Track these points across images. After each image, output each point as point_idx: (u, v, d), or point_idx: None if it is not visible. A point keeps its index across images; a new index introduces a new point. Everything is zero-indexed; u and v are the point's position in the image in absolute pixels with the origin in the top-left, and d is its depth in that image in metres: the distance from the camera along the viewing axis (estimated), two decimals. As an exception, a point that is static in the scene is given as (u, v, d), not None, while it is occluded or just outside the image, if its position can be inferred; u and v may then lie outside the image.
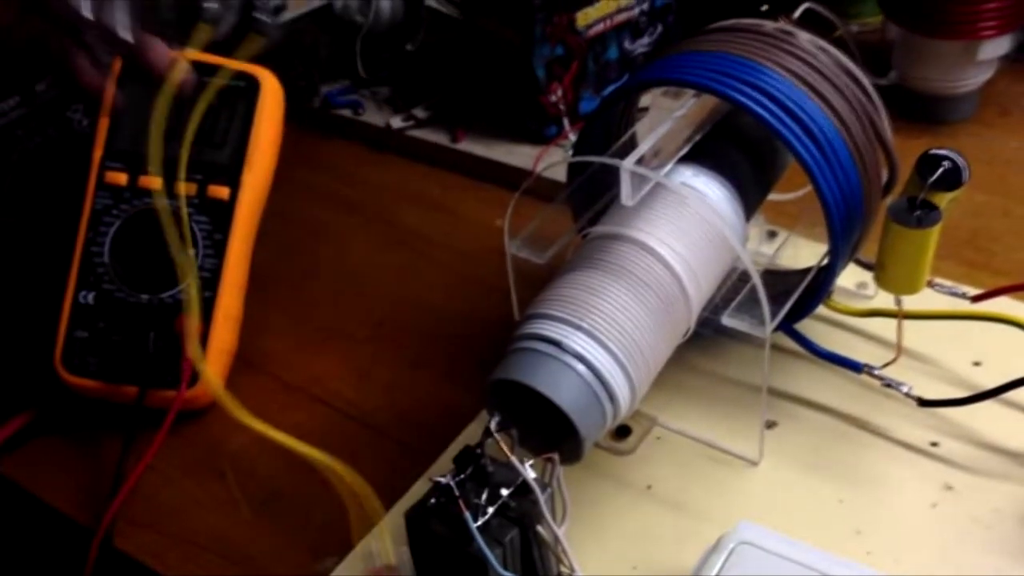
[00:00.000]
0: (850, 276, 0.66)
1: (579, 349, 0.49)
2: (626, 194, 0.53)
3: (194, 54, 0.66)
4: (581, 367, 0.49)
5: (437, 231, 0.81)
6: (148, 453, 0.61)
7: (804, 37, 0.59)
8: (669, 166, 0.57)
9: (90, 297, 0.65)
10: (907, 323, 0.60)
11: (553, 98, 0.83)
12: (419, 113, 0.90)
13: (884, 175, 0.59)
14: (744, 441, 0.59)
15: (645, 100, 0.69)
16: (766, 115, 0.54)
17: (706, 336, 0.59)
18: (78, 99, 0.64)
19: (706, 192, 0.57)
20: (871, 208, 0.58)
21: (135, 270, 0.65)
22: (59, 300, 0.66)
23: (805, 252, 0.62)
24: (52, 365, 0.65)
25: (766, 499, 0.57)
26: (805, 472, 0.57)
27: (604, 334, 0.50)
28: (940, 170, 0.52)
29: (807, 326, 0.63)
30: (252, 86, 0.67)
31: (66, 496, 0.63)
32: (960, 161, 0.52)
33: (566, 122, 0.83)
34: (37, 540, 0.66)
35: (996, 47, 0.80)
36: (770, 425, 0.60)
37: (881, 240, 0.54)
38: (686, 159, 0.58)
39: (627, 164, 0.52)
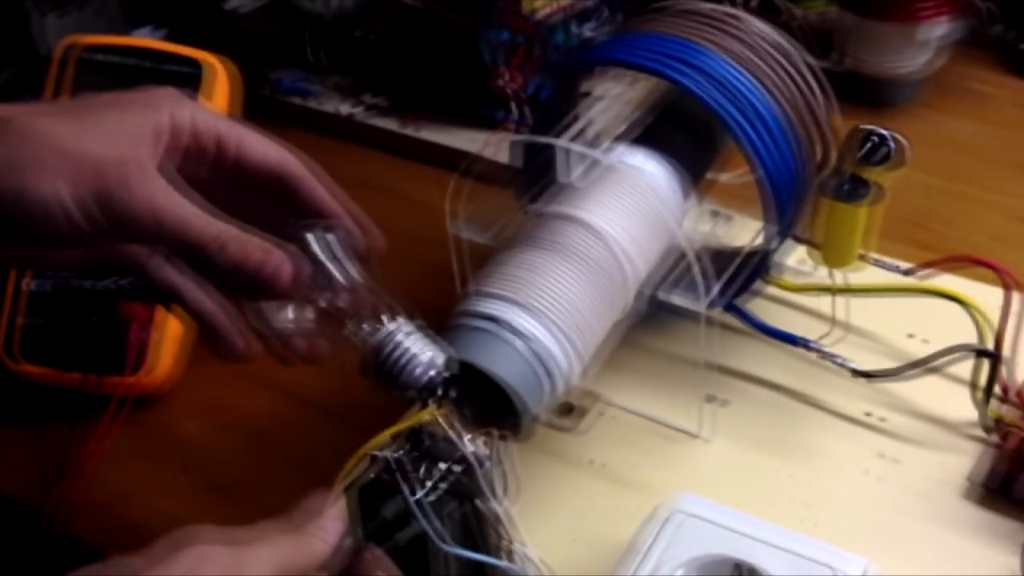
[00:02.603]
0: (793, 253, 0.67)
1: (518, 325, 0.50)
2: (563, 172, 0.54)
3: (142, 40, 0.66)
4: (519, 343, 0.50)
5: (390, 217, 0.81)
6: (95, 439, 0.61)
7: (744, 19, 0.60)
8: (606, 144, 0.58)
9: (33, 284, 0.65)
10: (846, 298, 0.61)
11: (501, 82, 0.83)
12: (370, 100, 0.91)
13: (820, 154, 0.60)
14: (688, 416, 0.60)
15: (600, 89, 0.70)
16: (705, 95, 0.55)
17: (652, 314, 0.60)
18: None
19: (645, 170, 0.57)
20: (808, 186, 0.59)
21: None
22: (1, 288, 0.66)
23: (748, 231, 0.63)
24: (-4, 353, 0.65)
25: (709, 471, 0.58)
26: (746, 444, 0.59)
27: (543, 310, 0.50)
28: (868, 145, 0.53)
29: (751, 302, 0.64)
30: (200, 72, 0.67)
31: (16, 482, 0.63)
32: (888, 136, 0.53)
33: (514, 106, 0.84)
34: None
35: (935, 28, 0.81)
36: (713, 400, 0.61)
37: (815, 215, 0.55)
38: (627, 138, 0.59)
39: (562, 142, 0.53)
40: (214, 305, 0.50)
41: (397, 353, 0.45)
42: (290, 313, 0.47)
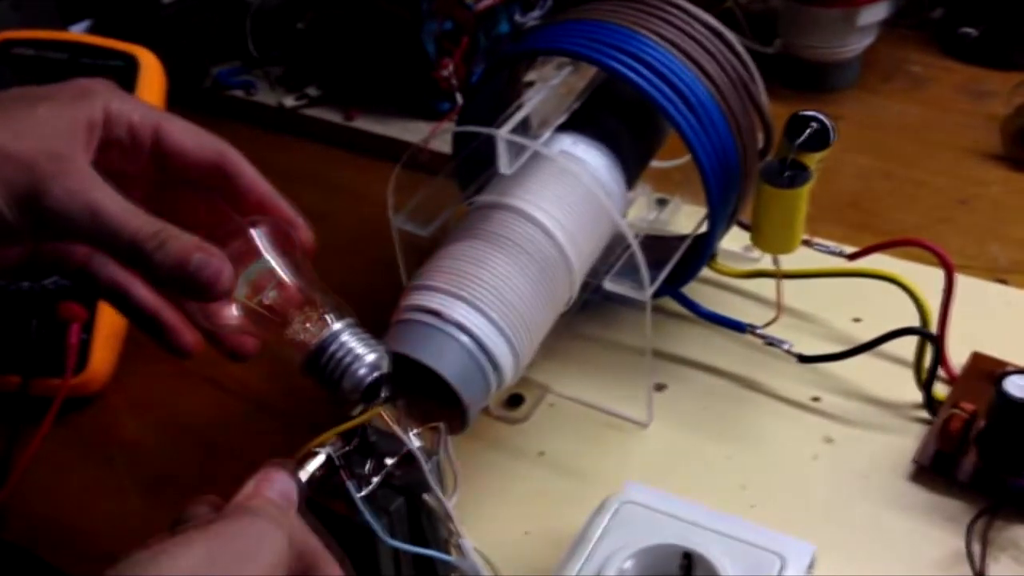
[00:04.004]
0: (737, 239, 0.67)
1: (460, 319, 0.50)
2: (503, 163, 0.53)
3: (70, 35, 0.65)
4: (463, 337, 0.50)
5: (334, 210, 0.81)
6: (34, 442, 0.59)
7: (680, 5, 0.60)
8: (547, 135, 0.57)
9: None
10: (790, 283, 0.61)
11: (445, 73, 0.83)
12: (312, 92, 0.90)
13: (761, 140, 0.61)
14: (635, 404, 0.60)
15: (544, 77, 0.69)
16: (641, 82, 0.55)
17: (596, 304, 0.60)
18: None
19: (585, 159, 0.57)
20: (748, 172, 0.59)
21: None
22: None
23: (691, 217, 0.63)
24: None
25: (656, 459, 0.58)
26: (693, 431, 0.59)
27: (485, 303, 0.50)
28: (808, 131, 0.53)
29: (694, 289, 0.64)
30: (131, 65, 0.66)
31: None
32: (827, 122, 0.53)
33: (459, 97, 0.83)
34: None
35: (874, 13, 0.82)
36: (659, 387, 0.61)
37: (755, 202, 0.55)
38: (567, 128, 0.59)
39: (502, 133, 0.53)
40: (161, 300, 0.49)
41: (341, 353, 0.45)
42: (234, 310, 0.46)
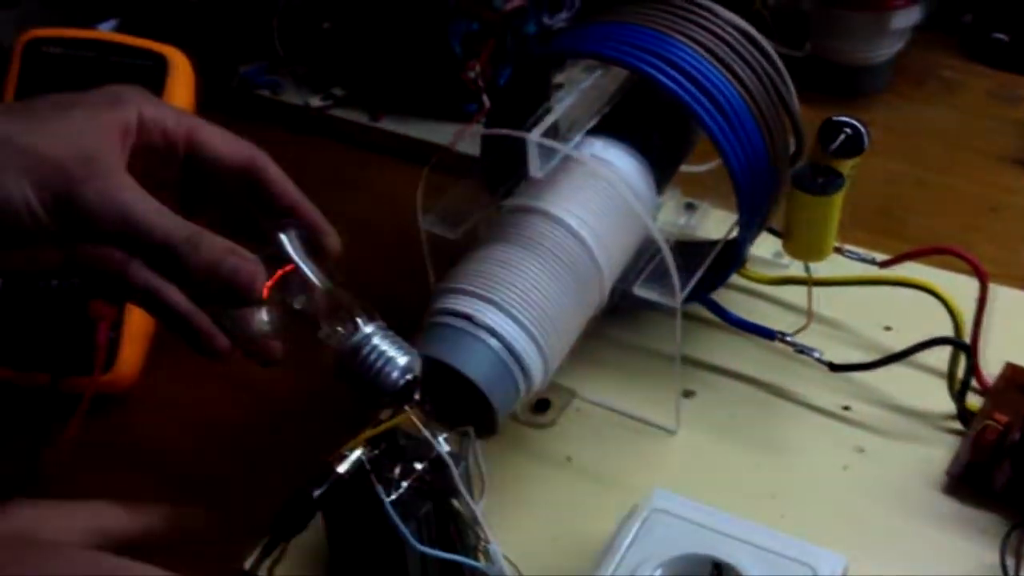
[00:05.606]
0: (767, 245, 0.66)
1: (490, 322, 0.49)
2: (534, 166, 0.53)
3: (100, 33, 0.65)
4: (493, 341, 0.49)
5: (360, 211, 0.81)
6: (62, 440, 0.60)
7: (711, 8, 0.59)
8: (578, 138, 0.57)
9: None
10: (820, 290, 0.61)
11: (472, 74, 0.82)
12: (338, 92, 0.90)
13: (792, 145, 0.60)
14: (662, 410, 0.59)
15: (573, 80, 0.69)
16: (672, 86, 0.54)
17: (625, 308, 0.60)
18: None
19: (616, 164, 0.57)
20: (780, 178, 0.59)
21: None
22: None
23: (722, 223, 0.62)
24: (-41, 354, 0.63)
25: (684, 467, 0.57)
26: (722, 439, 0.58)
27: (515, 307, 0.50)
28: (841, 137, 0.52)
29: (723, 295, 0.64)
30: (160, 65, 0.66)
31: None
32: (861, 128, 0.53)
33: (485, 98, 0.83)
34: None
35: (907, 17, 0.81)
36: (687, 394, 0.61)
37: (787, 208, 0.55)
38: (598, 131, 0.59)
39: (533, 136, 0.52)
40: (193, 304, 0.49)
41: (374, 356, 0.45)
42: (264, 316, 0.46)
